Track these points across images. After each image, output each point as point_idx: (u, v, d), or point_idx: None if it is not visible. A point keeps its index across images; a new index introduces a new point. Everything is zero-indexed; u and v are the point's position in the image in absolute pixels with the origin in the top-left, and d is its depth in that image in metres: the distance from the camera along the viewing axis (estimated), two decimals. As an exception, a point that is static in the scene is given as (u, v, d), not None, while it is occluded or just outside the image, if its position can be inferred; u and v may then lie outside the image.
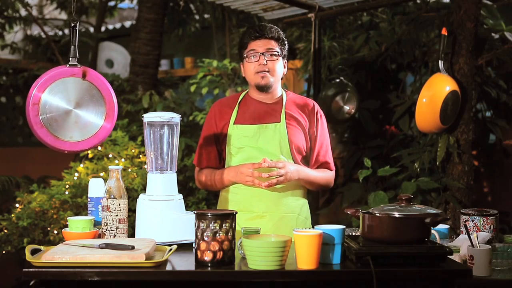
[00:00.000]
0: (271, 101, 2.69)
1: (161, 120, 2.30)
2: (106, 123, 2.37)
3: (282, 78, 2.71)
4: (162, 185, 2.26)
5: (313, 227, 2.00)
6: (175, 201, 2.27)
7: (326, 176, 2.73)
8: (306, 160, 2.71)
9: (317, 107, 2.74)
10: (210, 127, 2.70)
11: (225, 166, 2.67)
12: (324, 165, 2.73)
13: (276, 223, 2.57)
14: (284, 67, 2.69)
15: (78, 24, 2.37)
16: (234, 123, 2.65)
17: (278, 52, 2.62)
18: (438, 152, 3.72)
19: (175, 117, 2.32)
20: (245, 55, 2.64)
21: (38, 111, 2.27)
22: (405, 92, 4.97)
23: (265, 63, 2.59)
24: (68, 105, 2.32)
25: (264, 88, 2.64)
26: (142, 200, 2.25)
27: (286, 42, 2.68)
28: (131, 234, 2.32)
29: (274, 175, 2.49)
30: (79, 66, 2.34)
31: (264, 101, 2.69)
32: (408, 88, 5.08)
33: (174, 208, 2.25)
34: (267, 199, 2.57)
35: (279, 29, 2.67)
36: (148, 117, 2.32)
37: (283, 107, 2.66)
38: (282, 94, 2.72)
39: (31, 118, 2.26)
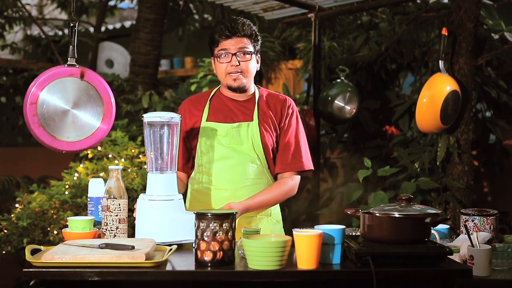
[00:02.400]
0: (244, 98, 2.61)
1: (161, 120, 2.30)
2: (103, 124, 2.36)
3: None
4: (162, 185, 2.26)
5: (313, 227, 2.00)
6: (175, 201, 2.26)
7: (283, 190, 2.56)
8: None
9: (289, 102, 2.64)
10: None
11: (195, 165, 2.61)
12: (292, 165, 2.58)
13: (248, 223, 2.54)
14: (258, 63, 2.60)
15: (77, 24, 2.36)
16: (206, 120, 2.58)
17: (251, 50, 2.52)
18: (438, 152, 3.72)
19: (175, 117, 2.32)
20: (216, 54, 2.54)
21: (35, 111, 2.27)
22: (407, 92, 4.97)
23: (238, 64, 2.50)
24: (66, 105, 2.31)
25: (237, 90, 2.56)
26: (142, 200, 2.25)
27: (259, 38, 2.57)
28: (131, 234, 2.32)
29: None
30: (77, 66, 2.34)
31: (236, 98, 2.60)
32: (408, 88, 5.08)
33: (174, 208, 2.24)
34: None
35: (251, 24, 2.55)
36: (148, 117, 2.32)
37: (256, 105, 2.59)
38: (254, 91, 2.63)
39: (28, 117, 2.26)
